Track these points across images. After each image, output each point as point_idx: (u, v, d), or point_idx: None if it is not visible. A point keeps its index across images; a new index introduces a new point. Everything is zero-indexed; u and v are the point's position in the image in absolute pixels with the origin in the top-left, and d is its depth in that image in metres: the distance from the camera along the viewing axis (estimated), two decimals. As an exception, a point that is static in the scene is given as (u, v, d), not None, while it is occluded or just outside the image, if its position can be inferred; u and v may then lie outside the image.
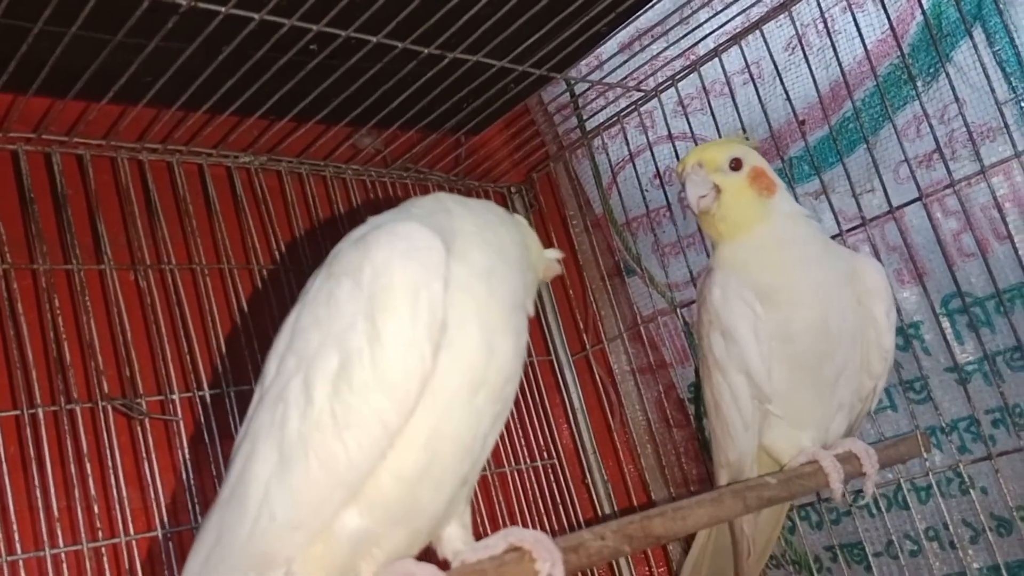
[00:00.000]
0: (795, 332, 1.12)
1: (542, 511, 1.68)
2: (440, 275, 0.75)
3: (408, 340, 0.73)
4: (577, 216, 1.89)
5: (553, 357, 1.84)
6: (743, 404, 1.15)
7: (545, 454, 1.73)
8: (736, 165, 1.19)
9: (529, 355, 1.79)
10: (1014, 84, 1.35)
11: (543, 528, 1.64)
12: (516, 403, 1.70)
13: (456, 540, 0.84)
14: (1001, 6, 1.33)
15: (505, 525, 1.59)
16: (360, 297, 0.75)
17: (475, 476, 0.84)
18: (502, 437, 1.66)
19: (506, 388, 0.81)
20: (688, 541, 1.63)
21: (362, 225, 0.83)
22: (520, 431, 1.71)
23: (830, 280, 1.15)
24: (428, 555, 0.83)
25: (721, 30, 1.61)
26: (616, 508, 1.75)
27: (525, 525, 1.64)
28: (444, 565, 0.82)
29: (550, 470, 1.73)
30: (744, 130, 1.60)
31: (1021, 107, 1.34)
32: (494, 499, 1.61)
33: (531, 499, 1.68)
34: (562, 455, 1.76)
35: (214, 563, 0.78)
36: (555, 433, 1.77)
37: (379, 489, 0.75)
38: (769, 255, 1.15)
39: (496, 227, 0.85)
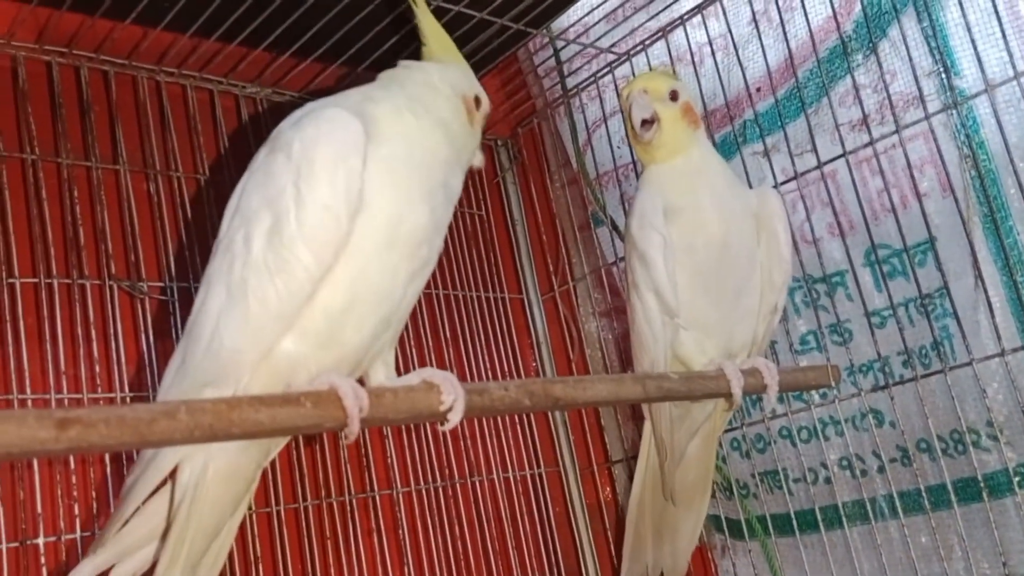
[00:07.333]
0: (698, 245, 1.29)
1: (500, 430, 1.85)
2: (358, 152, 0.92)
3: (326, 204, 0.90)
4: (558, 172, 2.06)
5: (524, 296, 2.02)
6: (652, 318, 1.33)
7: (509, 379, 1.90)
8: (674, 96, 1.36)
9: (501, 292, 1.97)
10: (936, 57, 1.50)
11: (502, 445, 1.83)
12: (486, 333, 1.90)
13: (380, 375, 1.03)
14: (927, -16, 1.49)
15: (463, 436, 1.78)
16: (290, 168, 0.93)
17: (397, 323, 1.01)
18: (472, 362, 1.85)
19: (420, 250, 0.98)
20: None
21: (303, 107, 1.01)
22: (487, 359, 1.88)
23: (732, 206, 1.32)
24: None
25: (694, 2, 1.78)
26: (570, 432, 1.92)
27: (484, 443, 1.82)
28: (369, 396, 0.99)
29: (512, 394, 1.89)
30: (702, 97, 1.76)
31: (941, 78, 1.50)
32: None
33: (491, 418, 1.84)
34: (525, 381, 1.92)
35: (180, 377, 0.98)
36: (520, 363, 1.94)
37: (312, 321, 0.93)
38: (685, 179, 1.33)
39: (423, 123, 1.01)
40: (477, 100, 1.12)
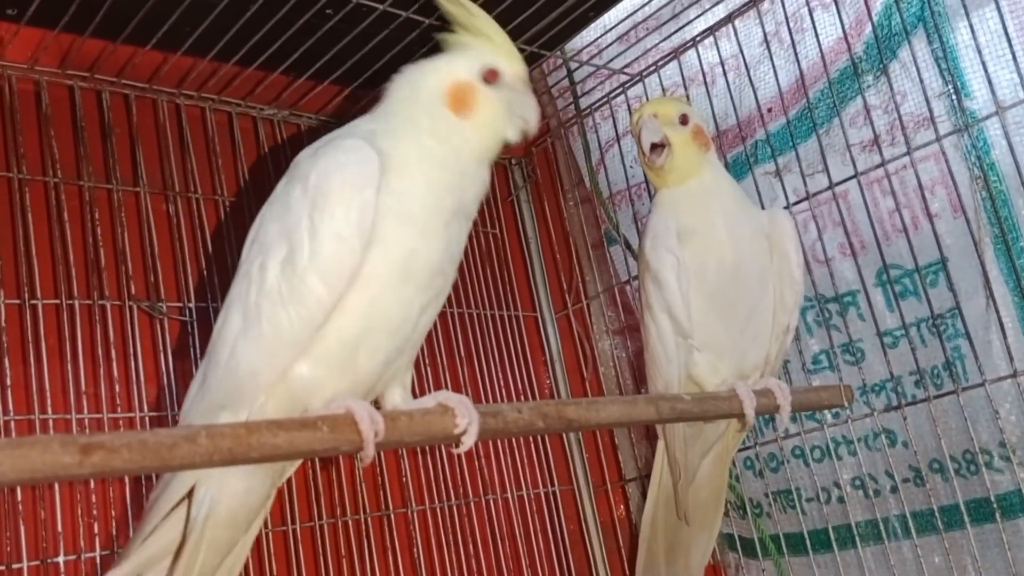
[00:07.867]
0: (710, 268, 1.31)
1: (515, 449, 1.86)
2: (372, 185, 0.92)
3: (339, 235, 0.91)
4: (572, 191, 2.08)
5: (538, 314, 2.03)
6: (666, 340, 1.34)
7: (523, 397, 1.92)
8: (684, 120, 1.38)
9: (515, 310, 1.99)
10: (947, 79, 1.51)
11: (516, 463, 1.84)
12: (500, 351, 1.91)
13: (396, 398, 1.04)
14: (935, 8, 1.50)
15: (478, 455, 1.79)
16: (305, 200, 0.94)
17: (411, 349, 1.03)
18: (486, 380, 1.86)
19: (435, 281, 0.99)
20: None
21: (323, 137, 1.02)
22: (501, 376, 1.90)
23: (743, 227, 1.34)
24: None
25: (706, 24, 1.80)
26: (584, 450, 1.93)
27: (498, 462, 1.83)
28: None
29: (525, 412, 1.90)
30: (714, 117, 1.78)
31: (952, 99, 1.50)
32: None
33: (506, 437, 1.85)
34: (539, 400, 1.93)
35: (200, 396, 1.00)
36: (534, 381, 1.96)
37: (327, 348, 0.95)
38: (697, 201, 1.34)
39: (434, 152, 0.98)
40: (492, 72, 1.02)
